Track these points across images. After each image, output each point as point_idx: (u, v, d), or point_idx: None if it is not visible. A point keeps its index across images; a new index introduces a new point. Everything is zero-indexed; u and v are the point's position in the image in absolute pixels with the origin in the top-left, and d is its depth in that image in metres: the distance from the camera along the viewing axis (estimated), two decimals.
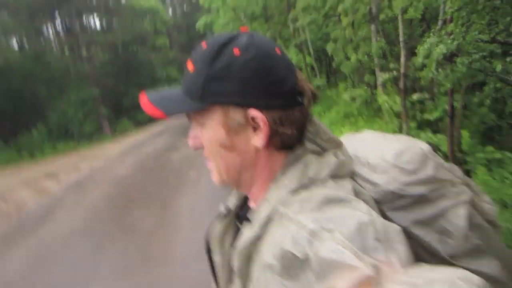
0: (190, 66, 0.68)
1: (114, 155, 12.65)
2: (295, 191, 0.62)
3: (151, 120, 23.86)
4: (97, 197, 7.70)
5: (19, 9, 21.95)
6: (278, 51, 0.67)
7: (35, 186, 9.64)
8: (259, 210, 0.64)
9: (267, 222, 0.60)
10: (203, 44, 0.68)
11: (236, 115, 0.65)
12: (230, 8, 13.30)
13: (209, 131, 0.68)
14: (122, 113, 23.75)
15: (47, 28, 28.53)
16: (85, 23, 26.44)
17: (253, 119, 0.65)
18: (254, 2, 12.92)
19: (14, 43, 26.96)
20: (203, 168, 8.58)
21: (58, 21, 27.74)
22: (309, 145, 0.68)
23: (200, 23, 17.57)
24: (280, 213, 0.59)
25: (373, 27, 8.07)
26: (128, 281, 4.10)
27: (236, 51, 0.63)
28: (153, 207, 6.52)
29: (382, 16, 7.82)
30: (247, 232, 0.63)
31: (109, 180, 9.01)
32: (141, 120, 23.34)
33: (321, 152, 0.68)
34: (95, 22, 28.32)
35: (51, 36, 29.70)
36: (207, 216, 4.44)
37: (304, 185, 0.63)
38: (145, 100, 0.70)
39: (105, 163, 11.45)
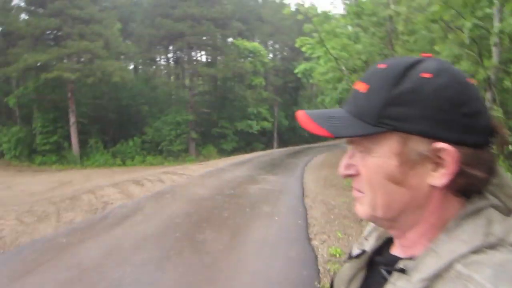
0: (361, 87, 0.62)
1: (196, 175, 13.14)
2: (478, 250, 0.52)
3: (234, 150, 24.78)
4: (175, 210, 7.93)
5: (141, 39, 25.11)
6: (471, 81, 0.58)
7: (122, 189, 10.34)
8: (424, 262, 0.55)
9: (435, 278, 0.52)
10: (381, 65, 0.61)
11: (418, 145, 0.57)
12: (331, 58, 13.49)
13: (377, 159, 0.60)
14: (209, 140, 25.07)
15: (160, 57, 32.24)
16: (193, 56, 29.08)
17: (438, 153, 0.55)
18: (356, 56, 12.92)
19: (131, 66, 30.80)
20: (278, 205, 8.49)
21: (170, 53, 31.11)
22: (491, 199, 0.59)
23: (299, 69, 18.31)
24: (458, 273, 0.50)
25: (489, 95, 7.43)
26: None
27: (426, 75, 0.56)
28: (225, 231, 6.46)
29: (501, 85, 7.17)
30: (403, 285, 0.55)
31: (188, 197, 9.29)
32: (225, 149, 24.47)
33: (504, 210, 0.58)
34: (202, 56, 31.12)
35: (162, 64, 33.43)
36: (275, 251, 4.20)
37: (491, 245, 0.53)
38: (305, 118, 0.64)
39: (187, 181, 11.91)
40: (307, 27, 11.44)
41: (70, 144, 21.06)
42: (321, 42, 11.82)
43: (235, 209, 8.07)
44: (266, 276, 4.66)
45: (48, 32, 21.52)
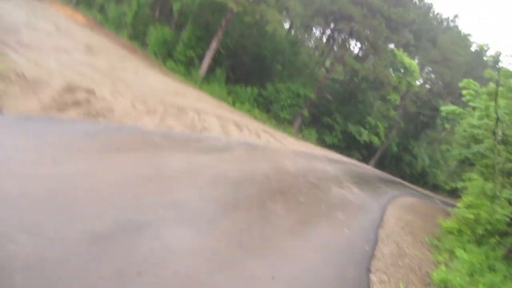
0: None
1: (290, 148, 12.86)
2: None
3: (331, 146, 23.88)
4: (258, 168, 7.75)
5: (310, 3, 24.71)
6: None
7: (223, 124, 10.50)
8: None
9: None
10: None
11: None
12: (490, 116, 11.56)
13: None
14: (315, 125, 24.45)
15: (316, 28, 31.74)
16: (346, 43, 27.94)
17: None
18: None
19: (287, 24, 30.83)
20: (352, 219, 7.74)
21: (328, 30, 30.31)
22: None
23: (447, 109, 16.54)
24: None
25: None
26: (233, 252, 3.71)
27: None
28: (295, 214, 6.09)
29: None
30: None
31: (275, 163, 9.05)
32: (325, 141, 23.71)
33: None
34: (355, 47, 29.80)
35: (314, 36, 32.98)
36: (332, 261, 3.55)
37: None
38: None
39: (280, 148, 11.69)
40: (488, 72, 9.79)
41: (200, 65, 22.24)
42: (493, 95, 10.08)
43: (311, 199, 7.59)
44: (313, 274, 4.19)
45: None
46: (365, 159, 27.84)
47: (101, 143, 5.23)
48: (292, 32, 30.85)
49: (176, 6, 22.49)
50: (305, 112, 23.12)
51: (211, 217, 4.23)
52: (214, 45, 22.02)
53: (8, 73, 5.96)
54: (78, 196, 3.35)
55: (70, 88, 6.78)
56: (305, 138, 22.07)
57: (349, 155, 25.22)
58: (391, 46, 27.52)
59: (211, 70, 22.53)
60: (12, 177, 3.24)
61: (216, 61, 22.76)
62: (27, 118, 4.74)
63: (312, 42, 32.74)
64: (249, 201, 5.42)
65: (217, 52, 22.38)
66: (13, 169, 3.36)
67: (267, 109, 22.41)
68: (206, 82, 21.75)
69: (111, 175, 4.15)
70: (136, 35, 24.28)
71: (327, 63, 27.08)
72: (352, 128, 25.25)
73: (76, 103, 6.23)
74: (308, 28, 30.98)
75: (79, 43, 15.26)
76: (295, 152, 12.82)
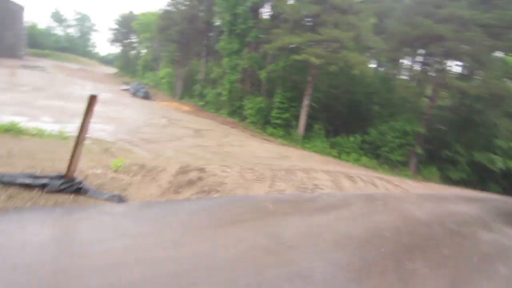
0: None
1: (414, 193, 11.54)
2: None
3: (460, 182, 20.97)
4: (384, 221, 6.91)
5: (392, 37, 23.76)
6: None
7: (334, 179, 9.97)
8: None
9: None
10: None
11: None
12: None
13: None
14: (434, 161, 21.99)
15: (405, 59, 30.10)
16: (444, 65, 25.73)
17: None
18: None
19: (374, 63, 30.00)
20: None
21: (419, 57, 28.48)
22: None
23: None
24: None
25: None
26: None
27: None
28: (443, 272, 5.04)
29: None
30: None
31: (401, 213, 8.05)
32: (450, 177, 20.94)
33: None
34: (454, 66, 27.16)
35: (405, 67, 31.23)
36: None
37: None
38: None
39: (402, 195, 10.54)
40: None
41: (297, 124, 22.55)
42: None
43: (457, 251, 6.37)
44: None
45: (307, 18, 23.25)
46: (507, 191, 23.67)
47: (216, 219, 5.22)
48: (381, 69, 29.78)
49: (263, 75, 23.76)
50: (418, 149, 21.12)
51: (342, 287, 3.67)
52: (306, 102, 22.31)
53: (131, 166, 6.58)
54: (199, 277, 3.20)
55: (184, 170, 7.18)
56: (426, 179, 19.88)
57: (485, 189, 21.72)
58: (499, 54, 24.34)
59: (309, 127, 22.61)
60: (138, 263, 3.26)
61: (312, 118, 22.87)
62: (148, 205, 5.01)
63: (405, 73, 30.93)
64: (382, 263, 4.69)
65: (311, 108, 22.57)
66: (139, 255, 3.41)
67: (376, 154, 21.11)
68: (306, 140, 21.77)
69: (230, 252, 3.99)
70: (234, 111, 26.11)
71: (429, 92, 24.91)
72: (479, 157, 22.01)
73: (190, 183, 6.51)
74: (395, 61, 29.56)
75: (188, 129, 16.85)
76: (420, 196, 11.43)
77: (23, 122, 10.11)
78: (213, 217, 5.26)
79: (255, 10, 25.47)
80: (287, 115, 22.95)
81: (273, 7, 25.25)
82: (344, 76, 23.02)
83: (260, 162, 11.13)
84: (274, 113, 23.33)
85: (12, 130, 8.53)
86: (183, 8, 34.46)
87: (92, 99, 4.62)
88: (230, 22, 25.36)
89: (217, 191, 6.44)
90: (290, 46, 21.96)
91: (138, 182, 5.84)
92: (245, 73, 26.74)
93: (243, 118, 25.02)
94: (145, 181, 5.99)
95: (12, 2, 52.46)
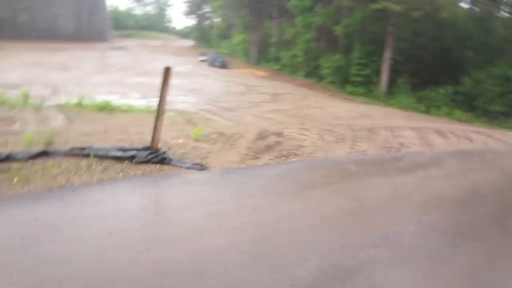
0: None
1: None
2: None
3: None
4: (482, 178, 6.23)
5: None
6: None
7: (422, 135, 9.23)
8: None
9: None
10: None
11: None
12: None
13: None
14: None
15: None
16: None
17: None
18: None
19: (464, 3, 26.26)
20: None
21: None
22: None
23: None
24: None
25: None
26: None
27: None
28: None
29: None
30: None
31: (504, 169, 7.16)
32: None
33: None
34: None
35: (505, 2, 26.84)
36: None
37: None
38: None
39: (505, 149, 9.39)
40: None
41: (379, 80, 21.13)
42: None
43: None
44: None
45: None
46: None
47: (296, 182, 5.18)
48: (475, 9, 25.98)
49: (339, 31, 22.43)
50: None
51: (434, 253, 3.38)
52: (387, 55, 20.65)
53: (211, 134, 6.79)
54: (281, 243, 3.20)
55: (261, 136, 7.21)
56: None
57: None
58: None
59: (392, 82, 21.04)
60: (221, 230, 3.36)
61: (395, 71, 21.18)
62: (228, 171, 5.13)
63: (505, 10, 26.51)
64: (480, 226, 4.23)
65: (394, 61, 20.85)
66: (221, 222, 3.52)
67: (471, 106, 18.93)
68: (390, 96, 20.36)
69: (311, 216, 3.92)
70: (310, 72, 25.33)
71: None
72: None
73: (268, 148, 6.52)
74: None
75: (265, 95, 16.88)
76: None
77: (115, 99, 11.03)
78: (292, 181, 5.22)
79: None
80: (367, 71, 21.54)
81: None
82: (430, 22, 20.61)
83: (340, 123, 10.74)
84: (353, 70, 22.08)
85: (106, 108, 9.39)
86: None
87: (167, 72, 4.76)
88: None
89: (296, 155, 6.37)
90: None
91: (218, 149, 6.01)
92: (320, 30, 25.54)
93: (321, 79, 24.19)
94: (224, 148, 6.15)
95: None
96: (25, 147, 5.05)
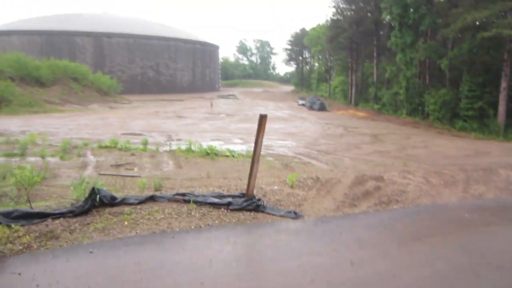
0: None
1: None
2: None
3: None
4: None
5: None
6: None
7: None
8: None
9: None
10: None
11: None
12: None
13: None
14: None
15: None
16: None
17: None
18: None
19: None
20: None
21: None
22: None
23: None
24: None
25: None
26: None
27: None
28: None
29: None
30: None
31: None
32: None
33: None
34: None
35: None
36: None
37: None
38: None
39: None
40: None
41: (495, 112, 18.74)
42: None
43: None
44: None
45: None
46: None
47: (398, 233, 4.71)
48: None
49: (444, 64, 20.83)
50: None
51: None
52: (504, 84, 18.34)
53: (306, 180, 6.70)
54: None
55: (360, 181, 6.86)
56: None
57: None
58: None
59: (510, 113, 18.49)
60: (314, 285, 3.18)
61: None
62: (323, 220, 4.93)
63: None
64: None
65: (511, 90, 18.46)
66: (314, 276, 3.33)
67: None
68: (510, 129, 17.82)
69: (418, 273, 3.48)
70: (414, 109, 23.90)
71: None
72: None
73: (367, 194, 6.14)
74: None
75: (365, 136, 16.31)
76: None
77: (219, 145, 11.81)
78: (394, 232, 4.77)
79: None
80: (480, 103, 19.34)
81: None
82: None
83: (450, 163, 9.69)
84: (463, 104, 20.09)
85: (210, 154, 10.09)
86: (350, 13, 34.13)
87: (262, 119, 4.92)
88: (399, 14, 23.65)
89: (398, 202, 5.86)
90: (476, 23, 18.69)
91: (313, 196, 5.87)
92: (422, 66, 24.22)
93: (425, 116, 22.54)
94: (320, 194, 5.98)
95: (210, 44, 63.31)
96: (138, 191, 5.64)
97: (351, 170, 8.21)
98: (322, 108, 31.08)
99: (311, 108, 31.94)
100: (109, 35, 47.98)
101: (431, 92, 22.06)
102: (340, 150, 12.32)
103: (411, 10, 23.23)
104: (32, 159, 8.70)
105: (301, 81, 62.45)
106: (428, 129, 19.74)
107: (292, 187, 6.23)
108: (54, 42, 45.81)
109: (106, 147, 10.64)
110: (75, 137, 12.77)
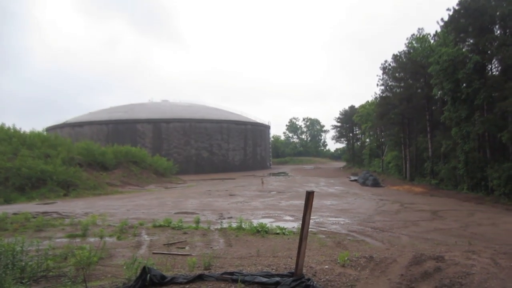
0: None
1: None
2: None
3: None
4: None
5: None
6: None
7: None
8: None
9: None
10: None
11: None
12: None
13: None
14: None
15: None
16: None
17: None
18: None
19: None
20: None
21: None
22: None
23: None
24: None
25: None
26: None
27: None
28: None
29: None
30: None
31: None
32: None
33: None
34: None
35: None
36: None
37: None
38: None
39: None
40: None
41: None
42: None
43: None
44: None
45: None
46: None
47: None
48: None
49: (505, 137, 19.76)
50: None
51: None
52: None
53: (359, 259, 6.43)
54: None
55: (417, 260, 6.44)
56: None
57: None
58: None
59: None
60: None
61: None
62: None
63: None
64: None
65: None
66: None
67: None
68: None
69: None
70: (476, 184, 22.44)
71: None
72: None
73: (426, 275, 5.71)
74: None
75: (423, 212, 15.44)
76: None
77: (269, 222, 11.78)
78: None
79: (479, 70, 22.71)
80: None
81: (503, 59, 21.80)
82: None
83: None
84: None
85: (261, 231, 10.08)
86: (400, 90, 34.39)
87: (309, 196, 5.00)
88: (452, 89, 23.29)
89: (462, 285, 5.36)
90: None
91: (366, 277, 5.58)
92: (481, 139, 23.14)
93: (490, 191, 20.92)
94: (373, 275, 5.68)
95: (261, 124, 66.22)
96: (188, 270, 5.75)
97: (409, 249, 7.74)
98: (375, 183, 30.20)
99: (364, 184, 31.16)
100: (167, 121, 52.32)
101: (493, 166, 20.77)
102: (397, 227, 11.71)
103: (464, 84, 22.92)
104: (91, 239, 9.25)
105: (353, 157, 61.90)
106: (494, 205, 18.22)
107: (343, 266, 6.00)
108: (119, 129, 50.76)
109: (160, 226, 11.07)
110: (131, 217, 13.46)
